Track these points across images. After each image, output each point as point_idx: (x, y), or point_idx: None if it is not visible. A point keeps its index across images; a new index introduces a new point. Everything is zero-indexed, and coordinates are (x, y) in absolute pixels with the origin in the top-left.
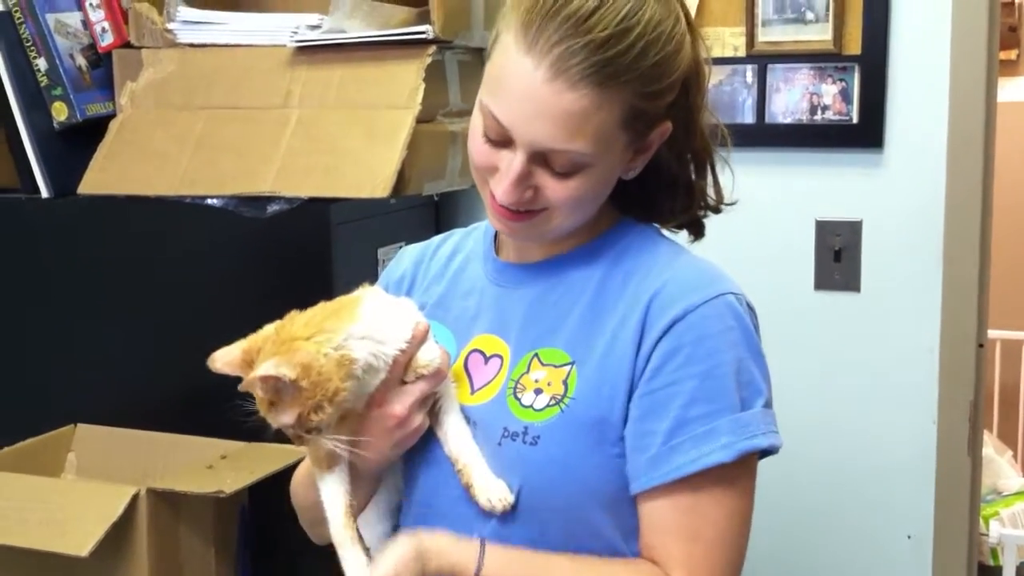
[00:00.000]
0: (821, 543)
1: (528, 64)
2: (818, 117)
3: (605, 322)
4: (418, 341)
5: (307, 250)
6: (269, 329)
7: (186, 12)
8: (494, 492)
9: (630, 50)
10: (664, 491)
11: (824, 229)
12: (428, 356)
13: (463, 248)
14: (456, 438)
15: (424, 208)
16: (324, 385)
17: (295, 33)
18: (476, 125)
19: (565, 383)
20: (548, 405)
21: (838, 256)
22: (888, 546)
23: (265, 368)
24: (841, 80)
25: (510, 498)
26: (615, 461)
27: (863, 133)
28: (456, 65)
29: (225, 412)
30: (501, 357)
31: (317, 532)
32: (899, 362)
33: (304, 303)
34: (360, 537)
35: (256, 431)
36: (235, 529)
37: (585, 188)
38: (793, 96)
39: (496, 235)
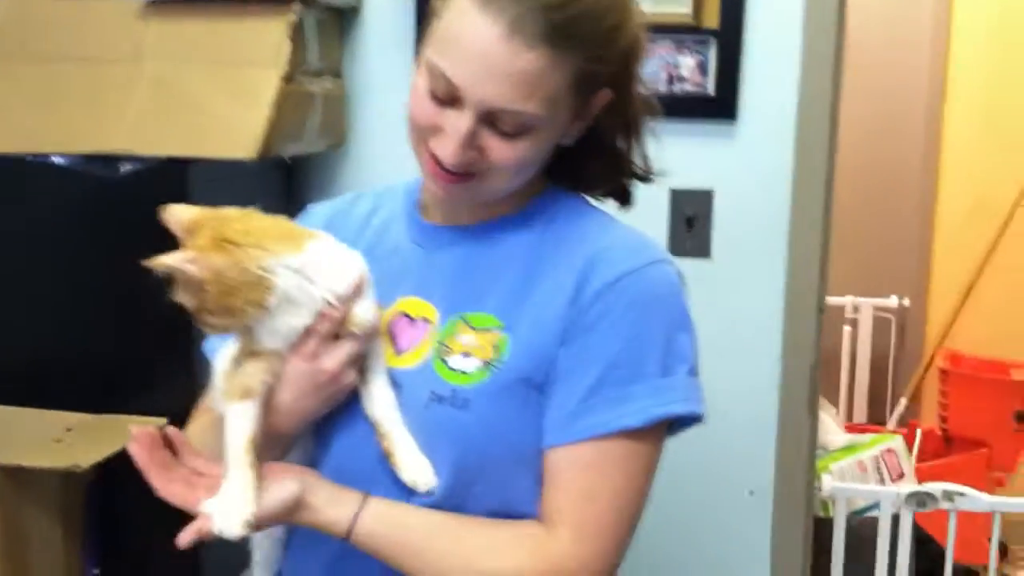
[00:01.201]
0: (665, 499)
1: (485, 22)
2: (676, 88)
3: (537, 287)
4: (355, 295)
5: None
6: (227, 212)
7: None
8: (420, 472)
9: (587, 13)
10: (570, 448)
11: (678, 198)
12: (364, 312)
13: (381, 207)
14: (381, 401)
15: (276, 171)
16: (228, 297)
17: None
18: (419, 85)
19: (496, 347)
20: (478, 368)
21: (690, 223)
22: (730, 502)
23: (174, 258)
24: (699, 53)
25: (434, 481)
26: (540, 423)
27: (718, 105)
28: (315, 24)
29: (69, 383)
30: (428, 320)
31: None
32: (746, 325)
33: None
34: (257, 465)
35: (102, 403)
36: (82, 506)
37: (530, 151)
38: (651, 67)
39: (419, 197)
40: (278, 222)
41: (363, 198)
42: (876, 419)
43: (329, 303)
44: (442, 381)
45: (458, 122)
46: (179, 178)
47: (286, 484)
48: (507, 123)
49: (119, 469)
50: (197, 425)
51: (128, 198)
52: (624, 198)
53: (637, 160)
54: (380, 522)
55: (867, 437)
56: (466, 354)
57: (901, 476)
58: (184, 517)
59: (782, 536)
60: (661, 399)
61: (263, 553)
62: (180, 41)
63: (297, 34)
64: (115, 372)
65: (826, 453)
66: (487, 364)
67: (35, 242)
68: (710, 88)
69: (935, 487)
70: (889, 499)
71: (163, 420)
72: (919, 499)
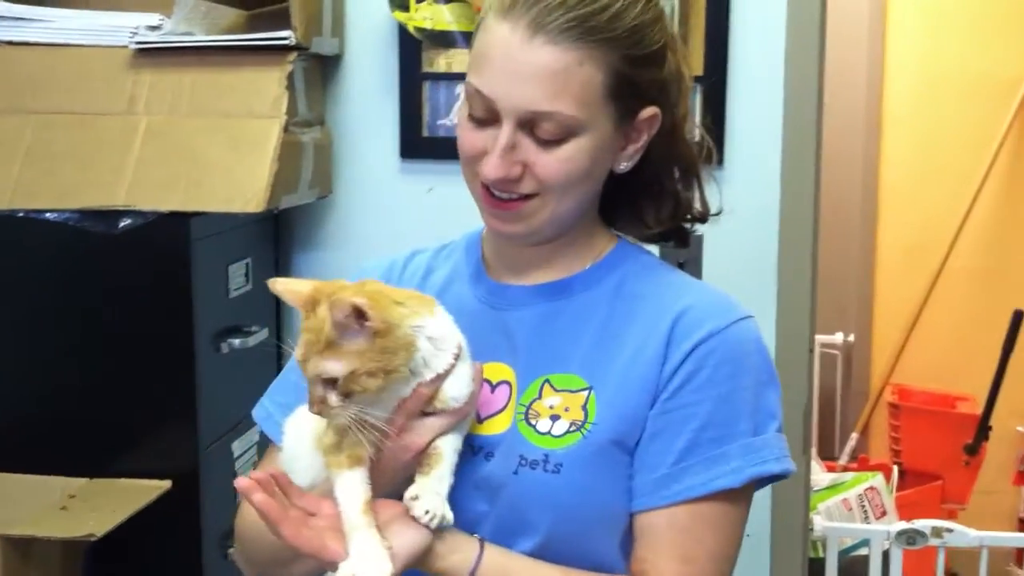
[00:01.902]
0: None
1: (506, 29)
2: None
3: (620, 346)
4: (448, 374)
5: (164, 268)
6: (342, 282)
7: (2, 6)
8: (434, 504)
9: (606, 9)
10: (666, 511)
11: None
12: (456, 391)
13: (438, 267)
14: (444, 443)
15: (266, 223)
16: (391, 355)
17: (134, 34)
18: (463, 114)
19: (584, 408)
20: (568, 431)
21: (682, 268)
22: None
23: (357, 300)
24: None
25: (450, 517)
26: (629, 483)
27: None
28: (303, 73)
29: (68, 446)
30: (509, 384)
31: (291, 571)
32: None
33: (161, 325)
34: (376, 523)
35: (103, 466)
36: (81, 574)
37: (574, 160)
38: None
39: (482, 255)
40: (399, 288)
41: (419, 255)
42: (826, 454)
43: (434, 377)
44: (531, 446)
45: (499, 134)
46: (182, 232)
47: (416, 532)
48: (545, 129)
49: (113, 535)
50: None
51: (128, 254)
52: (683, 238)
53: (694, 201)
54: (495, 569)
55: (849, 475)
56: (554, 416)
57: (884, 513)
58: None
59: None
60: (755, 458)
61: None
62: (174, 92)
63: (290, 83)
64: (116, 434)
65: (813, 493)
66: (577, 427)
67: (32, 301)
68: (696, 134)
69: (924, 524)
70: (880, 537)
71: (167, 483)
72: (909, 536)
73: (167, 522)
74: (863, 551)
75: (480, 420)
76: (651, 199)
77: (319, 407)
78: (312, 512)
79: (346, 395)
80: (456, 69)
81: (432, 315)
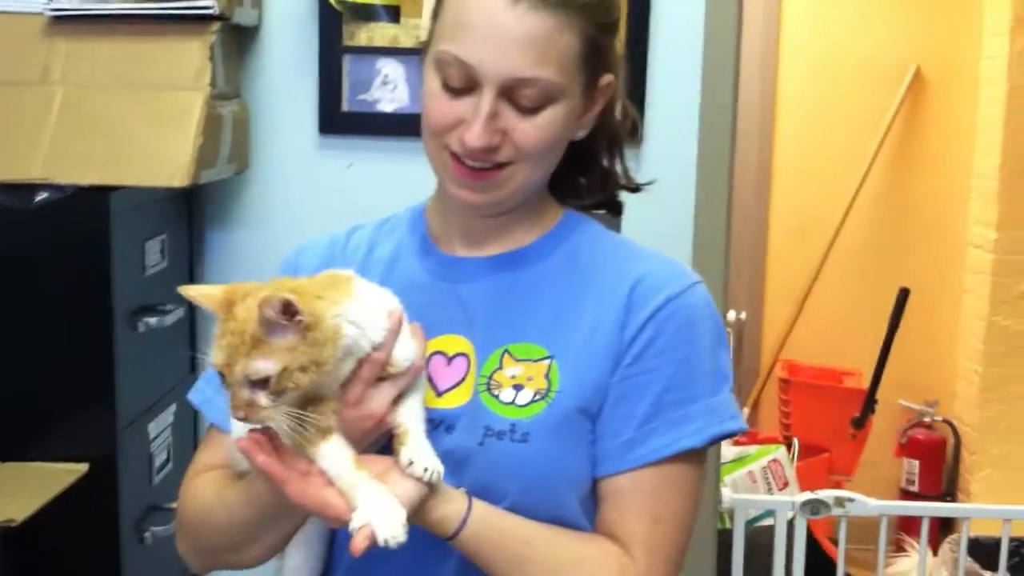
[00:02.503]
0: None
1: None
2: None
3: (579, 315)
4: (394, 335)
5: (82, 244)
6: (256, 283)
7: None
8: (429, 461)
9: None
10: (633, 474)
11: None
12: (403, 352)
13: (381, 242)
14: (405, 409)
15: (180, 199)
16: (320, 347)
17: (49, 0)
18: (430, 86)
19: (547, 377)
20: (533, 400)
21: None
22: None
23: (287, 295)
24: None
25: (440, 469)
26: (591, 449)
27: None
28: (221, 44)
29: None
30: (467, 356)
31: (243, 556)
32: None
33: (78, 304)
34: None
35: (15, 450)
36: None
37: (552, 127)
38: None
39: (428, 228)
40: (310, 278)
41: (359, 231)
42: None
43: (378, 346)
44: (496, 416)
45: (479, 103)
46: (101, 207)
47: (412, 482)
48: (526, 96)
49: (25, 521)
50: (210, 482)
51: (44, 229)
52: (616, 209)
53: (619, 173)
54: (484, 523)
55: (753, 448)
56: (518, 386)
57: (786, 484)
58: (96, 568)
59: (692, 552)
60: (715, 418)
61: (295, 563)
62: (91, 62)
63: (211, 55)
64: (29, 416)
65: (721, 465)
66: (542, 395)
67: None
68: (617, 112)
69: (827, 494)
70: (785, 508)
71: (84, 466)
72: (813, 507)
73: (82, 506)
74: (767, 521)
75: (439, 394)
76: (583, 170)
77: (246, 410)
78: (306, 472)
79: (277, 394)
80: (378, 43)
81: (351, 297)
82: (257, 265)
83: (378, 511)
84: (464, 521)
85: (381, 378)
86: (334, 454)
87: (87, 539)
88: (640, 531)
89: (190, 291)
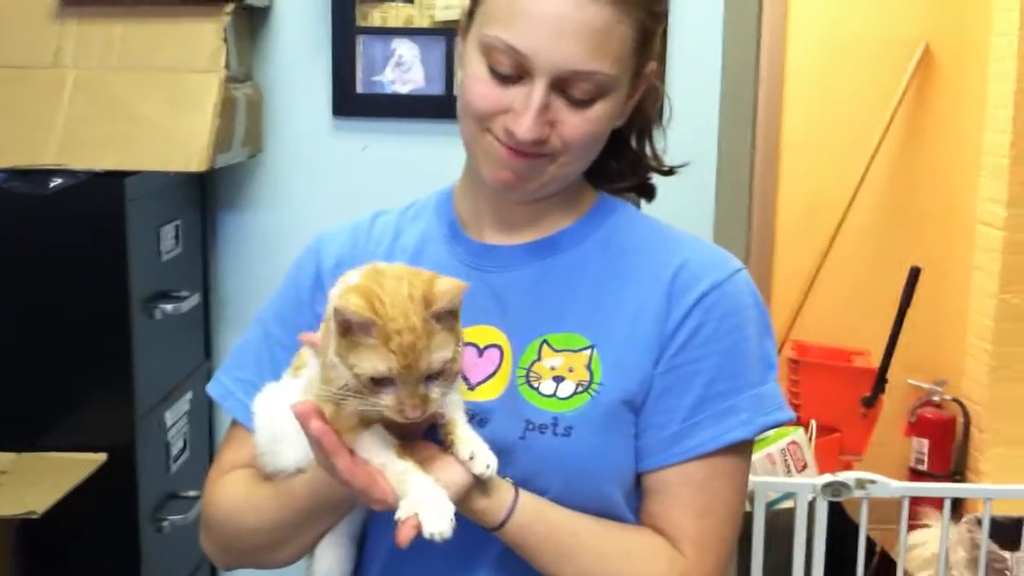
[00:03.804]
0: None
1: None
2: None
3: (618, 302)
4: None
5: (98, 230)
6: (364, 281)
7: None
8: (488, 455)
9: None
10: (681, 467)
11: None
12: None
13: (406, 229)
14: (451, 410)
15: (193, 183)
16: (458, 331)
17: None
18: (475, 70)
19: (589, 368)
20: (576, 393)
21: None
22: None
23: (458, 282)
24: None
25: (494, 461)
26: (635, 442)
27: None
28: (233, 26)
29: None
30: (500, 347)
31: (273, 557)
32: None
33: (95, 291)
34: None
35: (32, 439)
36: (11, 550)
37: (600, 120)
38: None
39: (456, 213)
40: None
41: (383, 217)
42: None
43: None
44: (537, 409)
45: (531, 93)
46: (117, 192)
47: (459, 469)
48: (579, 89)
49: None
50: (237, 484)
51: (59, 216)
52: (649, 193)
53: (649, 155)
54: (531, 514)
55: (771, 431)
56: (558, 378)
57: (805, 467)
58: (114, 558)
59: None
60: (763, 408)
61: (325, 565)
62: (103, 44)
63: (225, 36)
64: (46, 405)
65: None
66: (584, 387)
67: None
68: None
69: (848, 476)
70: (806, 490)
71: (103, 456)
72: (834, 489)
73: (100, 496)
74: (787, 504)
75: (471, 387)
76: (615, 154)
77: (423, 406)
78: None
79: (445, 382)
80: (391, 23)
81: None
82: (272, 249)
83: (426, 503)
84: (511, 511)
85: None
86: (376, 442)
87: (106, 529)
88: (688, 525)
89: (338, 302)
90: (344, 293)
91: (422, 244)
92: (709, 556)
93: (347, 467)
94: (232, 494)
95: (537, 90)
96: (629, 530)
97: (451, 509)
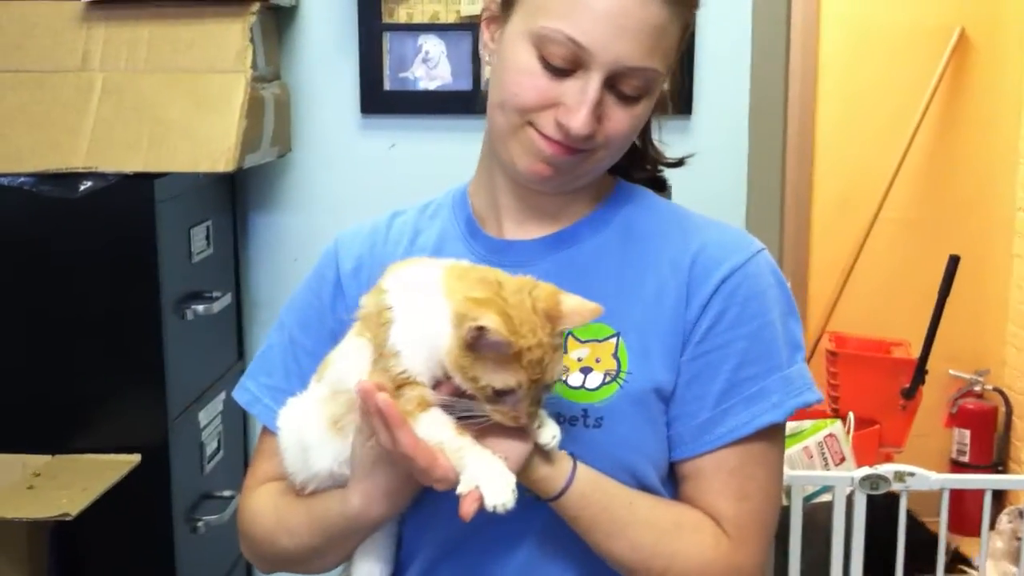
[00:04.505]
0: None
1: None
2: None
3: (640, 289)
4: None
5: (128, 233)
6: (503, 295)
7: None
8: (552, 425)
9: None
10: (714, 454)
11: None
12: None
13: (424, 228)
14: None
15: (223, 183)
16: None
17: None
18: (523, 60)
19: (616, 357)
20: (604, 383)
21: None
22: None
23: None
24: None
25: (559, 433)
26: (667, 430)
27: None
28: (260, 25)
29: (29, 421)
30: None
31: (309, 567)
32: None
33: (126, 293)
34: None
35: (66, 441)
36: (46, 552)
37: (641, 118)
38: None
39: (472, 211)
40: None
41: (400, 216)
42: None
43: None
44: (566, 401)
45: (587, 88)
46: (146, 194)
47: (519, 440)
48: (629, 85)
49: (81, 513)
50: (269, 502)
51: (89, 218)
52: (661, 186)
53: (649, 149)
54: (590, 483)
55: (808, 423)
56: (585, 369)
57: (842, 460)
58: (149, 559)
59: None
60: (792, 390)
61: (367, 567)
62: (130, 47)
63: (251, 36)
64: (79, 407)
65: None
66: (612, 377)
67: None
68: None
69: (887, 469)
70: (843, 483)
71: (136, 457)
72: (872, 482)
73: (135, 497)
74: (825, 497)
75: None
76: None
77: (532, 416)
78: None
79: (549, 388)
80: (417, 19)
81: None
82: (303, 247)
83: (486, 475)
84: (571, 479)
85: None
86: (435, 422)
87: (140, 530)
88: (727, 509)
89: (481, 324)
90: (474, 308)
91: (440, 243)
92: (750, 540)
93: (410, 442)
94: (264, 514)
95: (592, 84)
96: (676, 504)
97: (512, 480)
